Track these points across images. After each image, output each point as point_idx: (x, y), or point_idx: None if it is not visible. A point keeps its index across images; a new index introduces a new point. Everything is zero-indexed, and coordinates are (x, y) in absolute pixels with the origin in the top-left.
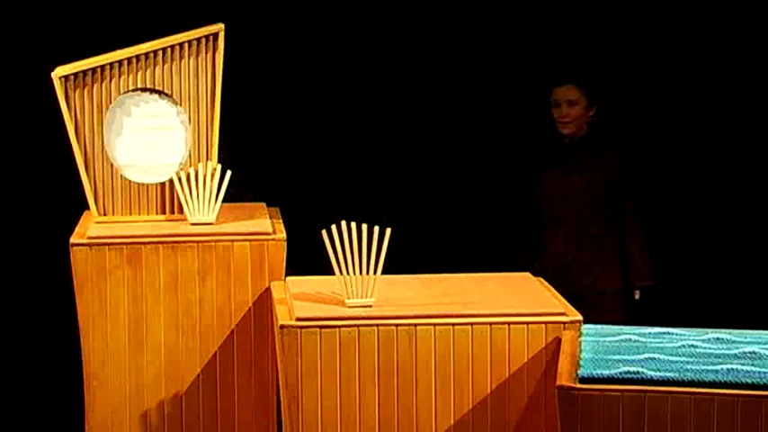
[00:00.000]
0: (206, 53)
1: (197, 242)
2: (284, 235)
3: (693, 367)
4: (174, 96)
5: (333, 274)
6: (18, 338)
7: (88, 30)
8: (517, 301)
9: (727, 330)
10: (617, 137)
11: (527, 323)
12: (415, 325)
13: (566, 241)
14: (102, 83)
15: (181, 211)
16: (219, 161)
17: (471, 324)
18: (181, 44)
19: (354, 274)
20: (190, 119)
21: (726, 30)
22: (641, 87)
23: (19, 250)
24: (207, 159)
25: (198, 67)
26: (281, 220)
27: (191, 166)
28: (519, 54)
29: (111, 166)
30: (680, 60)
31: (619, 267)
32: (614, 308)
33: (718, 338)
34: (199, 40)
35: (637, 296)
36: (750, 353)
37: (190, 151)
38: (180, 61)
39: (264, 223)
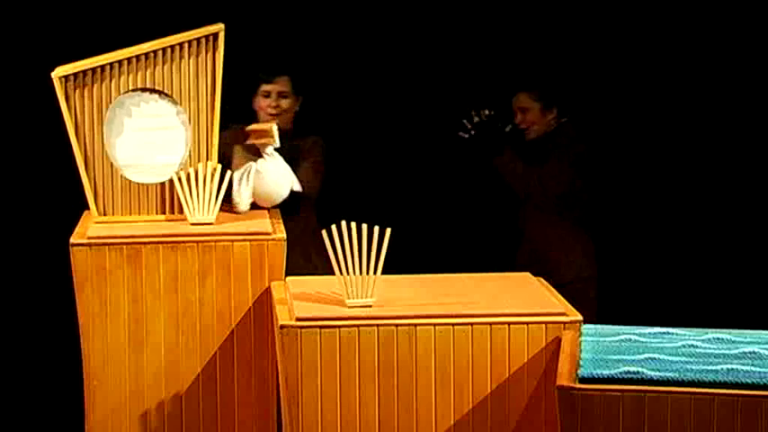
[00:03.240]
0: (206, 53)
1: (197, 242)
2: (284, 235)
3: (693, 367)
4: (174, 96)
5: (333, 274)
6: (18, 338)
7: (88, 30)
8: (517, 301)
9: (727, 330)
10: (595, 139)
11: (527, 323)
12: (415, 325)
13: (530, 238)
14: (102, 83)
15: (181, 211)
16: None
17: (471, 324)
18: (181, 44)
19: (354, 274)
20: (190, 119)
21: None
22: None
23: (19, 250)
24: (207, 159)
25: (198, 67)
26: (280, 221)
27: (191, 166)
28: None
29: (111, 166)
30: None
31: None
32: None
33: (718, 338)
34: (199, 40)
35: None
36: (750, 353)
37: (190, 151)
38: (180, 61)
39: (264, 223)
